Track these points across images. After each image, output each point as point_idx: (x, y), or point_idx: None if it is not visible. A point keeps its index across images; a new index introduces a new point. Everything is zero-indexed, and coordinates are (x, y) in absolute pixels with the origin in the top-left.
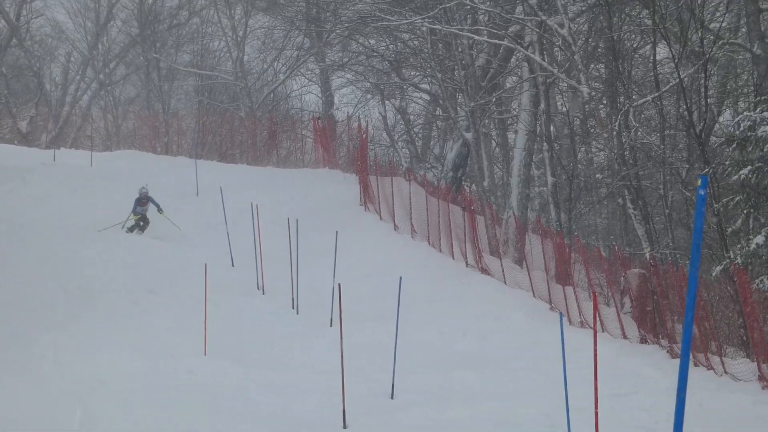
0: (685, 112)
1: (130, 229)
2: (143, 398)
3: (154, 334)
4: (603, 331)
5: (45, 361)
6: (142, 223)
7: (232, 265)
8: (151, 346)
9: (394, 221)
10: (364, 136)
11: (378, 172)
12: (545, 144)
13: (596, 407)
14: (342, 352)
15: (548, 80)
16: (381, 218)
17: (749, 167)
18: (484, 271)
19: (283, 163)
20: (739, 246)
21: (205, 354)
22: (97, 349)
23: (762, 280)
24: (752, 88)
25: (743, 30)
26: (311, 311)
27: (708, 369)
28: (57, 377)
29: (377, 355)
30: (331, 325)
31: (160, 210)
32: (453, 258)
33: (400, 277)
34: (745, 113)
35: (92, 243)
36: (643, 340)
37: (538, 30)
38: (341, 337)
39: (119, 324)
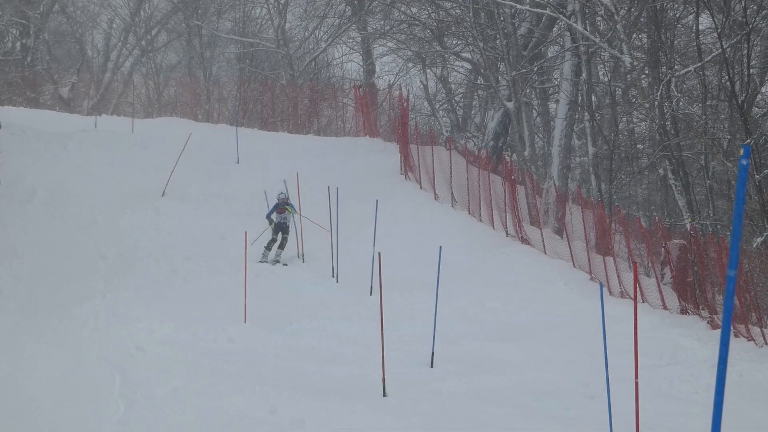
0: (728, 83)
1: (267, 250)
2: (182, 366)
3: (194, 302)
4: (643, 302)
5: (85, 328)
6: (280, 238)
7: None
8: (190, 314)
9: (435, 190)
10: (405, 104)
11: (418, 141)
12: (586, 114)
13: (636, 377)
14: (382, 321)
15: (590, 50)
16: (421, 187)
17: None
18: (524, 240)
19: (324, 132)
20: None
21: (245, 322)
22: (137, 316)
23: None
24: None
25: None
26: (351, 280)
27: (749, 340)
28: (97, 345)
29: (417, 324)
30: (371, 294)
31: (295, 212)
32: (493, 227)
33: (440, 247)
34: None
35: (132, 211)
36: (684, 311)
37: None
38: (381, 306)
39: (158, 292)
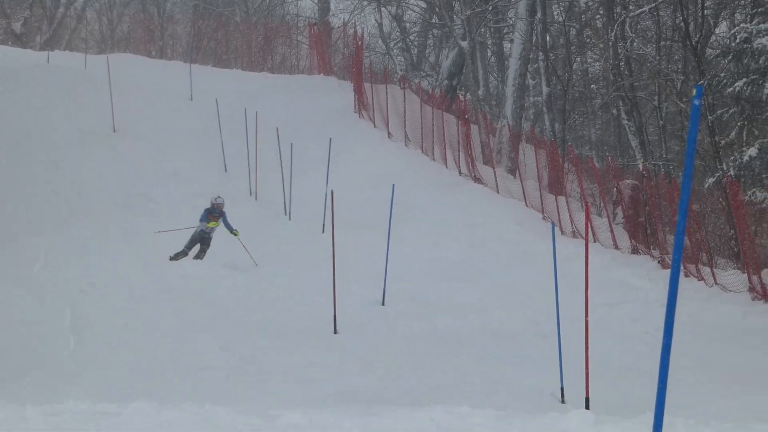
0: (682, 24)
1: (174, 259)
2: (134, 302)
3: (146, 238)
4: (595, 242)
5: (37, 263)
6: (196, 249)
7: (225, 171)
8: (142, 250)
9: (388, 129)
10: (360, 43)
11: (373, 80)
12: (541, 54)
13: (587, 317)
14: (333, 259)
15: None
16: (375, 126)
17: (744, 79)
18: (477, 180)
19: (278, 70)
20: (732, 158)
21: (201, 259)
22: (89, 252)
23: (754, 192)
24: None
25: None
26: (304, 218)
27: (699, 280)
28: (50, 280)
29: (369, 263)
30: (323, 232)
31: (233, 231)
32: (446, 167)
33: (393, 185)
34: (741, 25)
35: (85, 147)
36: (635, 251)
37: None
38: (333, 244)
39: (111, 227)
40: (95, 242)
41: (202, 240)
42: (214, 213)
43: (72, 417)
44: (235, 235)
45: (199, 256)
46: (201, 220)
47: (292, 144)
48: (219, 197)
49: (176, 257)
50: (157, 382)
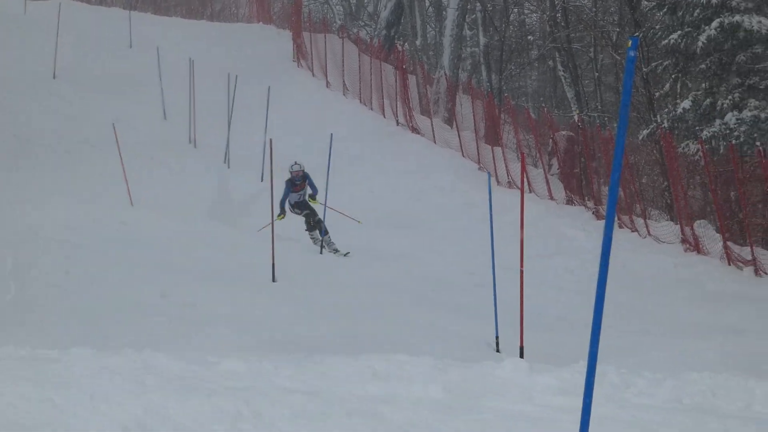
0: None
1: (311, 234)
2: (75, 249)
3: (87, 186)
4: (530, 192)
5: None
6: (312, 220)
7: (165, 118)
8: (82, 197)
9: (327, 78)
10: None
11: (311, 29)
12: (478, 4)
13: (522, 267)
14: (272, 208)
15: None
16: (313, 75)
17: (679, 32)
18: (414, 130)
19: (217, 18)
20: (666, 110)
21: (131, 204)
22: (31, 198)
23: (687, 144)
24: None
25: None
26: (243, 166)
27: (632, 231)
28: None
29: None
30: (261, 180)
31: (313, 196)
32: (384, 116)
33: (331, 134)
34: None
35: (26, 92)
36: (569, 202)
37: None
38: (272, 193)
39: (53, 174)
40: (38, 189)
41: (302, 207)
42: (296, 182)
43: (12, 362)
44: (314, 202)
45: (317, 226)
46: (283, 201)
47: (232, 90)
48: (295, 163)
49: (315, 242)
50: (98, 329)
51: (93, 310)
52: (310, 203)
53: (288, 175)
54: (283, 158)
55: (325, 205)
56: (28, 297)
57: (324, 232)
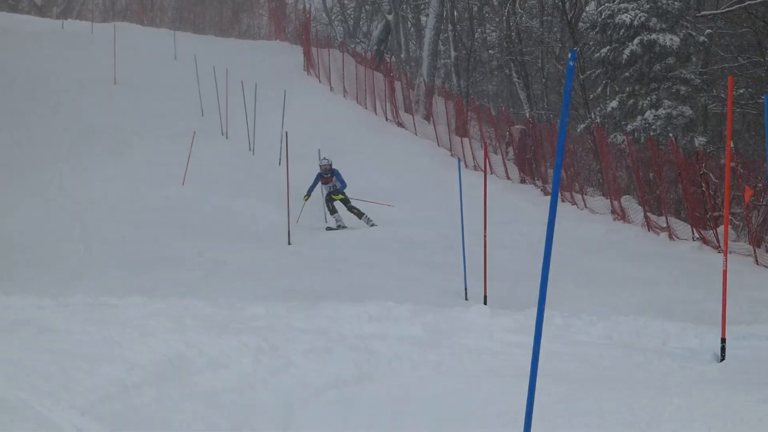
0: (560, 2)
1: (333, 216)
2: (130, 217)
3: (140, 167)
4: (491, 174)
5: (52, 185)
6: (340, 208)
7: (202, 115)
8: (136, 176)
9: (330, 84)
10: (308, 15)
11: (318, 45)
12: (450, 25)
13: (485, 231)
14: (288, 186)
15: None
16: (320, 81)
17: (608, 47)
18: (400, 124)
19: (244, 36)
20: (598, 109)
21: (182, 184)
22: (93, 178)
23: (615, 135)
24: None
25: None
26: (264, 152)
27: (572, 204)
28: (61, 198)
29: (316, 189)
30: (279, 164)
31: (341, 193)
32: (375, 114)
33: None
34: (606, 4)
35: (90, 95)
36: (522, 181)
37: None
38: (287, 174)
39: (111, 159)
40: (98, 170)
41: (336, 200)
42: (325, 175)
43: (80, 307)
44: (337, 197)
45: (351, 210)
46: (311, 188)
47: (256, 93)
48: (324, 158)
49: (332, 227)
50: (148, 281)
51: (144, 266)
52: (333, 198)
53: (318, 170)
54: (296, 146)
55: (349, 199)
56: (92, 256)
57: (361, 214)
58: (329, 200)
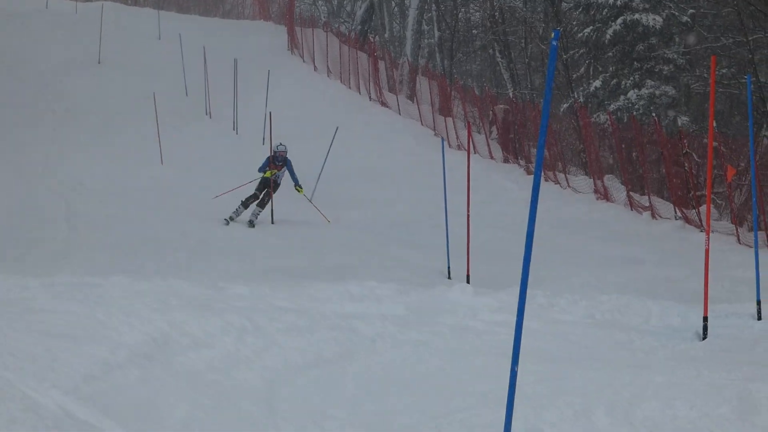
0: None
1: (242, 207)
2: (114, 197)
3: (123, 148)
4: (475, 153)
5: (38, 165)
6: (262, 194)
7: (186, 95)
8: (121, 157)
9: (314, 64)
10: None
11: (302, 25)
12: (434, 5)
13: (468, 210)
14: (272, 166)
15: None
16: (304, 61)
17: (591, 27)
18: (383, 104)
19: (227, 15)
20: (581, 88)
21: (162, 163)
22: (78, 158)
23: (598, 115)
24: None
25: None
26: (248, 132)
27: (555, 183)
28: (46, 179)
29: (299, 168)
30: (263, 144)
31: (297, 185)
32: (359, 93)
33: (336, 128)
34: None
35: (75, 75)
36: (506, 161)
37: None
38: (271, 153)
39: (95, 139)
40: (83, 150)
41: (268, 185)
42: (277, 161)
43: (65, 287)
44: (299, 191)
45: (263, 203)
46: (260, 170)
47: (237, 73)
48: (281, 144)
49: (245, 203)
50: (133, 261)
51: (128, 246)
52: (297, 191)
53: (271, 153)
54: (281, 127)
55: (311, 201)
56: (77, 236)
57: (259, 211)
58: (257, 197)
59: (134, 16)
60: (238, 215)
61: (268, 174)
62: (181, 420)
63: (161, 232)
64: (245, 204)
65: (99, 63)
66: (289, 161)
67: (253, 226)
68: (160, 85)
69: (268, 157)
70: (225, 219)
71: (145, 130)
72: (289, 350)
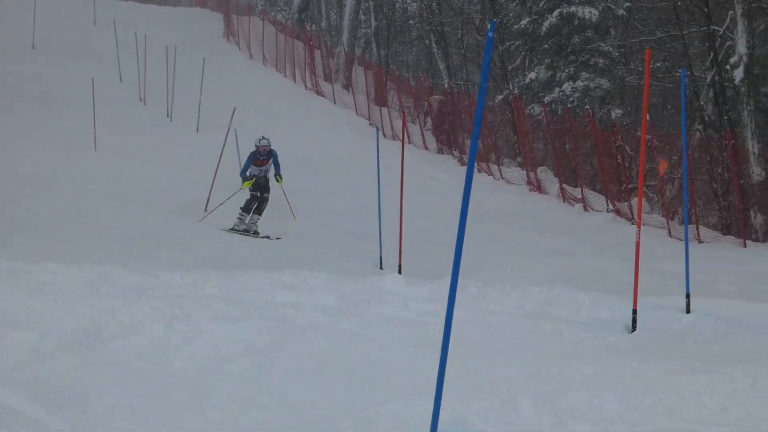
0: None
1: (244, 213)
2: (54, 184)
3: (65, 134)
4: (409, 143)
5: None
6: (259, 194)
7: (120, 81)
8: (54, 143)
9: (250, 51)
10: None
11: (238, 13)
12: None
13: (401, 200)
14: (221, 157)
15: None
16: (240, 49)
17: (528, 19)
18: (319, 93)
19: (164, 3)
20: (516, 80)
21: (95, 150)
22: (20, 146)
23: (533, 107)
24: None
25: None
26: (182, 119)
27: (488, 174)
28: None
29: (233, 158)
30: (197, 131)
31: (278, 176)
32: (295, 82)
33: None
34: None
35: (10, 60)
36: (440, 151)
37: None
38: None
39: (37, 127)
40: (26, 138)
41: (261, 187)
42: (260, 156)
43: None
44: (279, 181)
45: (260, 209)
46: (242, 173)
47: (169, 59)
48: (263, 138)
49: (245, 208)
50: (69, 247)
51: (64, 233)
52: (276, 183)
53: (254, 149)
54: (214, 114)
55: (285, 194)
56: (11, 222)
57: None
58: (256, 198)
59: (69, 1)
60: (243, 222)
61: (246, 184)
62: (109, 406)
63: (99, 218)
64: (246, 209)
65: (33, 48)
66: (275, 153)
67: (258, 234)
68: (94, 71)
69: (251, 154)
70: (236, 229)
71: (80, 116)
72: (220, 339)
